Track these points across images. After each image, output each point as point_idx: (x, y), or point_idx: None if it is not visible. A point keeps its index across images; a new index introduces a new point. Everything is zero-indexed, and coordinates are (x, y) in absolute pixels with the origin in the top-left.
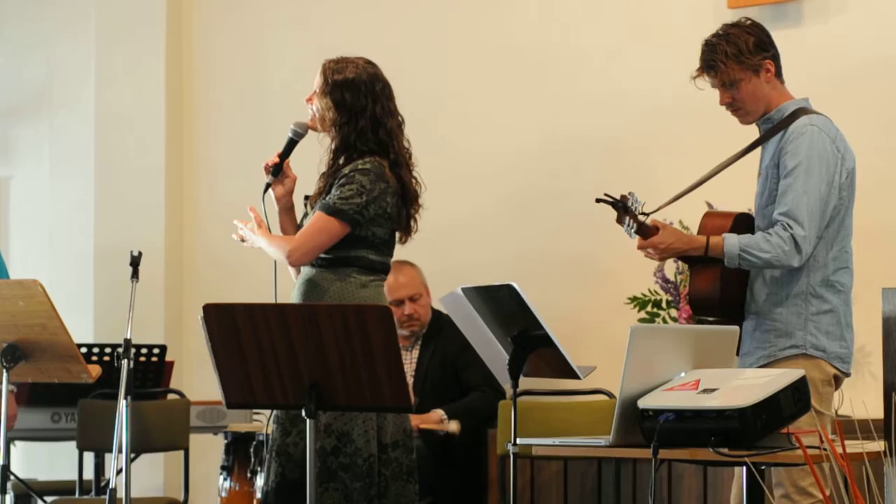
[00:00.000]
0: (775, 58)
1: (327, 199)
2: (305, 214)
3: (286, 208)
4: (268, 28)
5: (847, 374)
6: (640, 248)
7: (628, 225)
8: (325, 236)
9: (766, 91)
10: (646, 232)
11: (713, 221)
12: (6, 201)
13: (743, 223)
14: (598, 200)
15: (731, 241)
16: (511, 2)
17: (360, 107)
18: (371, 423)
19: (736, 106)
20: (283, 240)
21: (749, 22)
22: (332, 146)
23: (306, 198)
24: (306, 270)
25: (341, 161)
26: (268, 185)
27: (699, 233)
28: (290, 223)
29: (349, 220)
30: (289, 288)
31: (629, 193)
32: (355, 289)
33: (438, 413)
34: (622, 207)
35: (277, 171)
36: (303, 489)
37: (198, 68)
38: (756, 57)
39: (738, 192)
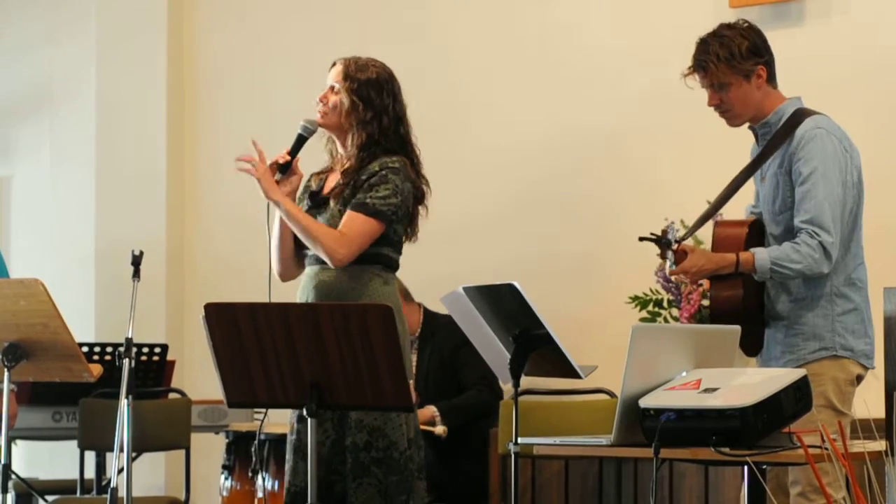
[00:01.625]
0: (769, 63)
1: (363, 199)
2: (311, 208)
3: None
4: (269, 25)
5: (871, 368)
6: (672, 274)
7: (670, 258)
8: (367, 238)
9: (755, 97)
10: (676, 259)
11: (728, 230)
12: (7, 200)
13: (756, 230)
14: (641, 239)
15: (762, 256)
16: (514, 3)
17: (384, 105)
18: (402, 417)
19: (724, 108)
20: (332, 236)
21: (746, 24)
22: (356, 143)
23: (313, 194)
24: (316, 270)
25: (363, 157)
26: (276, 183)
27: (713, 242)
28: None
29: (387, 220)
30: (291, 287)
31: (668, 226)
32: (380, 286)
33: (431, 409)
34: (666, 243)
35: (286, 168)
36: (333, 487)
37: (199, 67)
38: (748, 62)
39: (739, 191)
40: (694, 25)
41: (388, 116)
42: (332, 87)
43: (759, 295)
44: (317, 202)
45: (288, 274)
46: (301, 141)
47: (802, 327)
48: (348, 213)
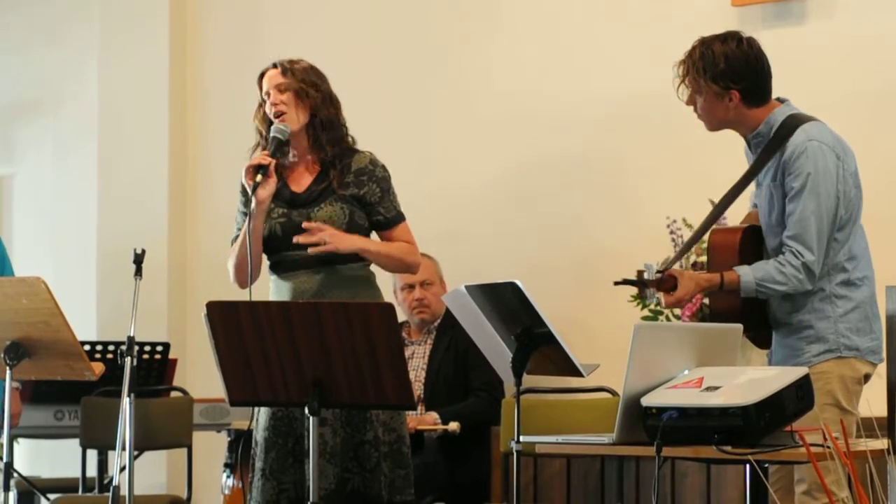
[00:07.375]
0: (749, 88)
1: (392, 209)
2: (282, 216)
3: (264, 211)
4: (272, 25)
5: (880, 362)
6: (668, 305)
7: (651, 295)
8: None
9: (721, 115)
10: (665, 286)
11: (721, 238)
12: (9, 199)
13: (750, 237)
14: (616, 283)
15: (747, 278)
16: (513, 5)
17: (328, 90)
18: (404, 412)
19: (697, 112)
20: (411, 250)
21: (740, 42)
22: (326, 138)
23: (293, 197)
24: (329, 270)
25: (336, 148)
26: (256, 185)
27: (709, 249)
28: (261, 226)
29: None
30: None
31: (644, 266)
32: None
33: (433, 416)
34: (642, 284)
35: (266, 170)
36: (345, 483)
37: (201, 65)
38: (717, 84)
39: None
40: (696, 25)
41: (332, 99)
42: (279, 89)
43: (760, 301)
44: (296, 203)
45: (247, 280)
46: (278, 144)
47: (806, 331)
48: (399, 227)
